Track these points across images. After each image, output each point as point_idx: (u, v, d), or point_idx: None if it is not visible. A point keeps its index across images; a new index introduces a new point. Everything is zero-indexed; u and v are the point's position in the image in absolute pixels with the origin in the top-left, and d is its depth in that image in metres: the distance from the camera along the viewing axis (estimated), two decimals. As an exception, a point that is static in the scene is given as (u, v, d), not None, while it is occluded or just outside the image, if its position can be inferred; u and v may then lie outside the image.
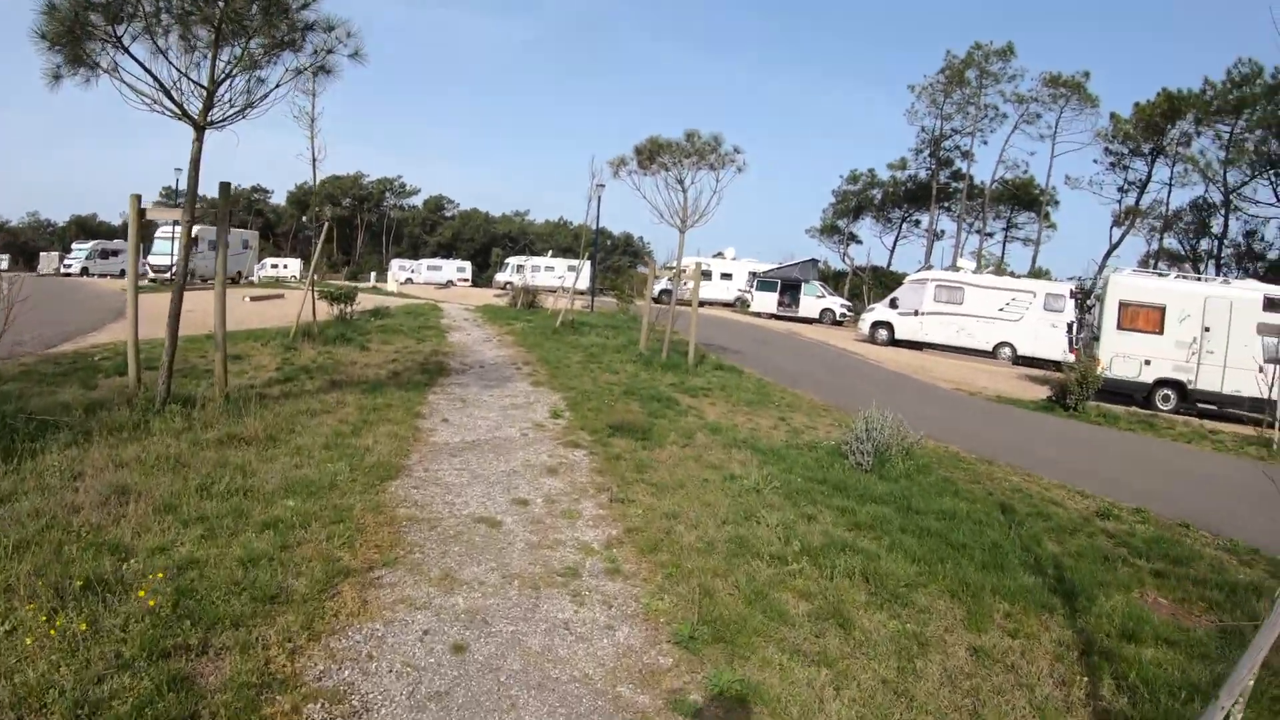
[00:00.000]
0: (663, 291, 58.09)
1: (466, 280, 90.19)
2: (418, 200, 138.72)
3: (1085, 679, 6.33)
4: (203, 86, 11.12)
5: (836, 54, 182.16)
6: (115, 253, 67.37)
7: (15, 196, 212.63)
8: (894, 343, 40.06)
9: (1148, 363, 26.73)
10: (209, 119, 11.30)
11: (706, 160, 20.65)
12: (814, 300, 53.17)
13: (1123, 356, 26.73)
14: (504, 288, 64.82)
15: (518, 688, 5.33)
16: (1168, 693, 6.14)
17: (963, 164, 79.54)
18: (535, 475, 10.14)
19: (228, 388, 12.40)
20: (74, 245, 79.22)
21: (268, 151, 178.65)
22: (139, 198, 12.06)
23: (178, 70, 10.96)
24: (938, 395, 24.74)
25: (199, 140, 11.25)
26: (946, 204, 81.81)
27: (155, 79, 10.81)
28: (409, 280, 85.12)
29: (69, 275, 65.92)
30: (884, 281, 73.73)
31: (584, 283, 51.55)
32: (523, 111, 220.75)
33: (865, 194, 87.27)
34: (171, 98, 10.96)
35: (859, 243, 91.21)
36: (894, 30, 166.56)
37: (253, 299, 36.10)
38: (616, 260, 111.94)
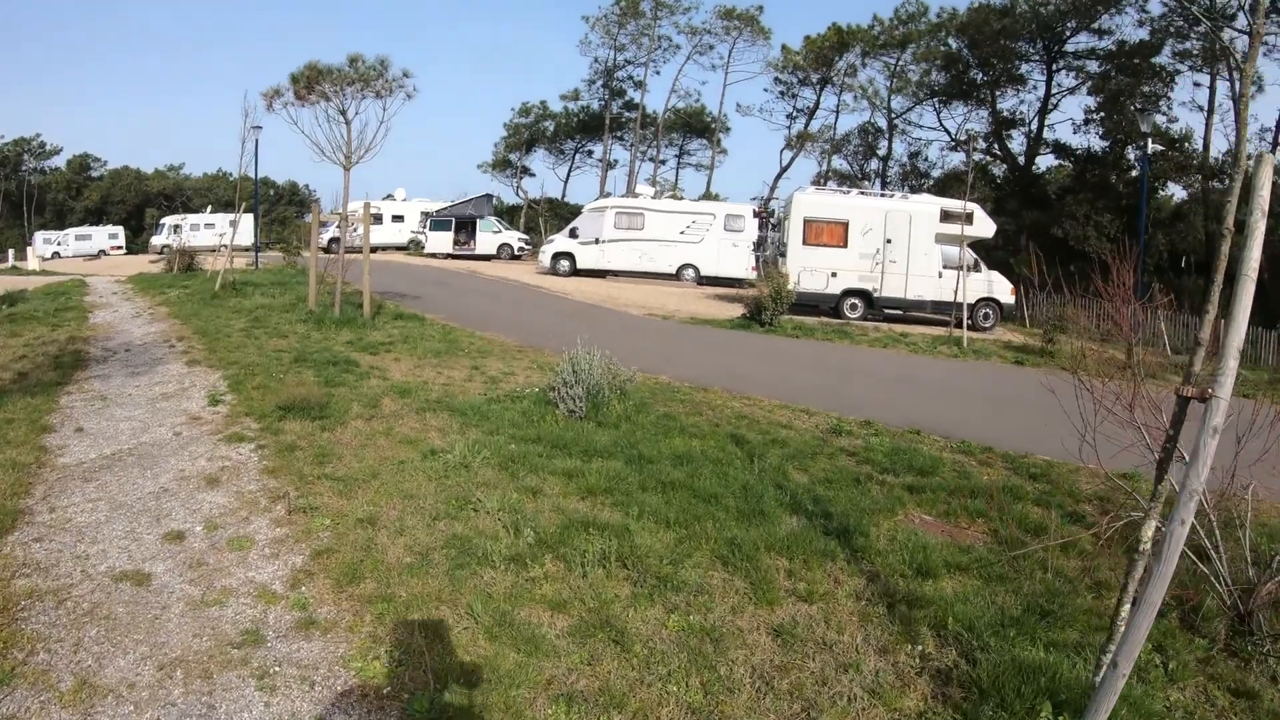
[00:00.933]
0: (332, 240, 55.53)
1: (120, 248, 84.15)
2: (60, 161, 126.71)
3: (910, 645, 5.43)
4: None
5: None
6: None
7: None
8: (576, 273, 39.04)
9: (834, 275, 27.54)
10: None
11: (372, 87, 18.48)
12: (490, 236, 51.48)
13: (810, 270, 27.31)
14: (161, 252, 60.08)
15: None
16: (993, 633, 5.51)
17: (635, 94, 79.40)
18: (192, 491, 7.90)
19: None
20: None
21: None
22: None
23: None
24: (632, 323, 23.88)
25: None
26: (619, 134, 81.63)
27: None
28: (56, 255, 78.94)
29: None
30: (560, 213, 73.01)
31: (247, 238, 48.57)
32: (168, 51, 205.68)
33: (537, 126, 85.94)
34: None
35: (532, 175, 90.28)
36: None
37: None
38: (282, 211, 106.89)
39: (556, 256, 39.86)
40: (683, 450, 9.51)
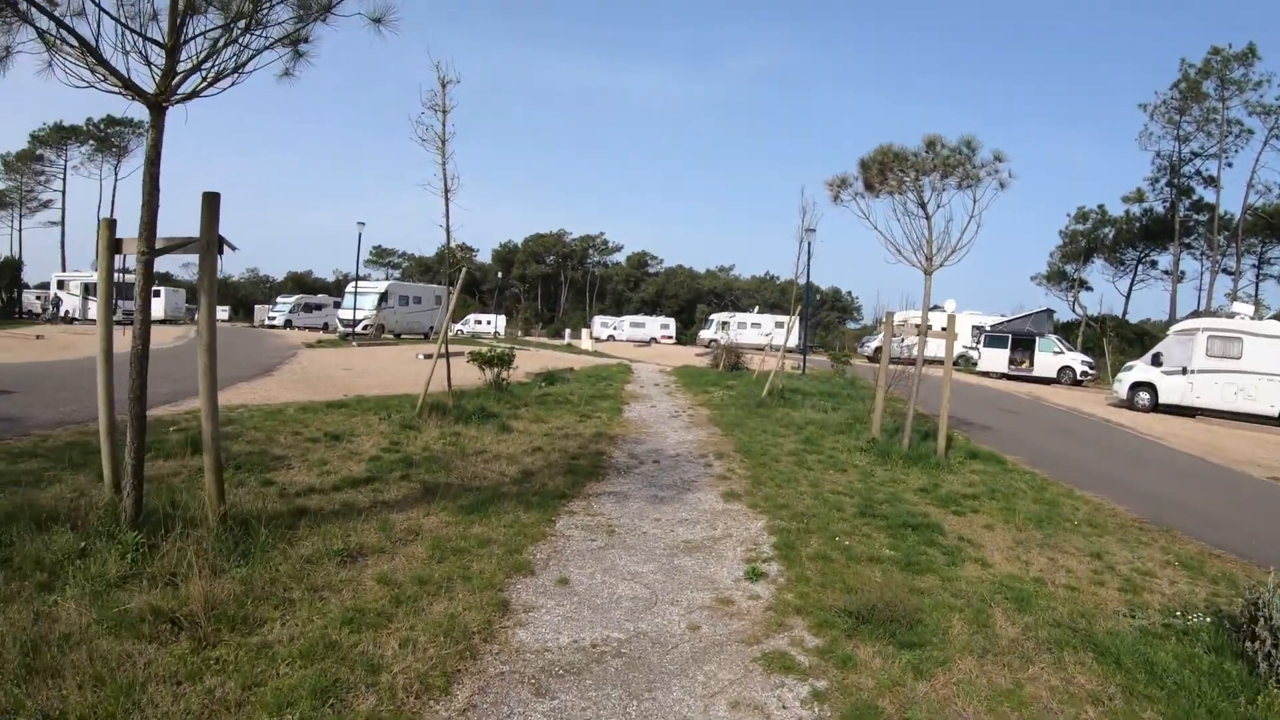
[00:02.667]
0: (877, 349, 53.28)
1: (670, 338, 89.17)
2: (621, 257, 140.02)
3: None
4: (159, 44, 7.13)
5: (1049, 83, 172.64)
6: (318, 306, 72.24)
7: (240, 256, 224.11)
8: (1156, 408, 33.13)
9: None
10: (171, 89, 7.17)
11: (954, 174, 15.20)
12: (1051, 357, 46.63)
13: None
14: (707, 346, 60.81)
15: None
16: None
17: (1205, 191, 69.98)
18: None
19: (267, 497, 8.91)
20: (279, 299, 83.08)
21: (473, 212, 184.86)
22: (112, 222, 7.74)
23: (124, 26, 7.07)
24: (1266, 495, 17.67)
25: (157, 125, 7.18)
26: (1186, 240, 72.27)
27: (82, 41, 6.93)
28: (611, 337, 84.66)
29: (273, 327, 70.94)
30: (1123, 334, 65.94)
31: (791, 340, 47.62)
32: (725, 168, 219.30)
33: (1095, 234, 78.47)
34: (111, 68, 7.03)
35: (1089, 289, 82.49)
36: (1115, 42, 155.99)
37: (425, 356, 32.88)
38: (826, 316, 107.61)
39: (1135, 387, 34.24)
40: None
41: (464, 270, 17.45)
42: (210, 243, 7.46)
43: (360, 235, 50.63)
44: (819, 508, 11.02)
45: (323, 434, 13.71)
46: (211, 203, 7.55)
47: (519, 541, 8.51)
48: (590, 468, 12.84)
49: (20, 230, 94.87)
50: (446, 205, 16.06)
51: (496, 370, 19.96)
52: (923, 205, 15.42)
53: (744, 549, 9.14)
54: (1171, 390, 33.04)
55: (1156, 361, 34.11)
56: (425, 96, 16.09)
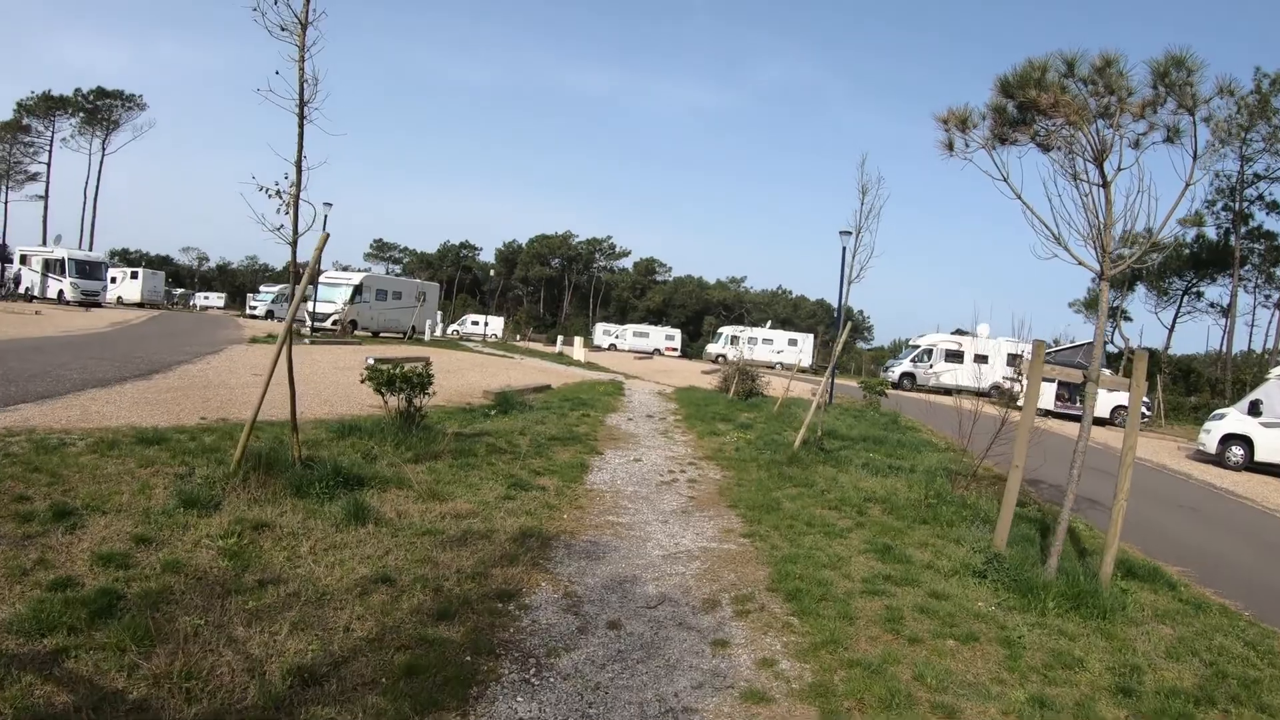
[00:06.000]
0: (904, 375, 47.43)
1: (675, 350, 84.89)
2: (628, 263, 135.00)
3: None
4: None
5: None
6: (305, 298, 67.72)
7: (241, 244, 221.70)
8: (1251, 466, 27.02)
9: None
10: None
11: (1163, 107, 8.54)
12: (1104, 394, 40.24)
13: None
14: (715, 361, 54.97)
15: None
16: None
17: (1267, 218, 64.54)
18: None
19: None
20: (261, 288, 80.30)
21: (479, 209, 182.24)
22: None
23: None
24: None
25: None
26: (1234, 270, 65.70)
27: None
28: (613, 346, 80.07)
29: (253, 317, 70.49)
30: (1174, 370, 59.67)
31: (807, 359, 42.24)
32: (739, 177, 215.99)
33: (1142, 260, 71.28)
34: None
35: (1129, 319, 75.82)
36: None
37: (376, 360, 26.90)
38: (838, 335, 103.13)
39: (1227, 440, 28.02)
40: None
41: (326, 237, 11.11)
42: None
43: (326, 217, 42.83)
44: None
45: (48, 506, 7.59)
46: None
47: None
48: (465, 648, 6.06)
49: (6, 203, 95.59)
50: (301, 124, 9.36)
51: (403, 395, 13.35)
52: (1099, 163, 8.86)
53: None
54: (1271, 445, 26.97)
55: (1254, 410, 27.75)
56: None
